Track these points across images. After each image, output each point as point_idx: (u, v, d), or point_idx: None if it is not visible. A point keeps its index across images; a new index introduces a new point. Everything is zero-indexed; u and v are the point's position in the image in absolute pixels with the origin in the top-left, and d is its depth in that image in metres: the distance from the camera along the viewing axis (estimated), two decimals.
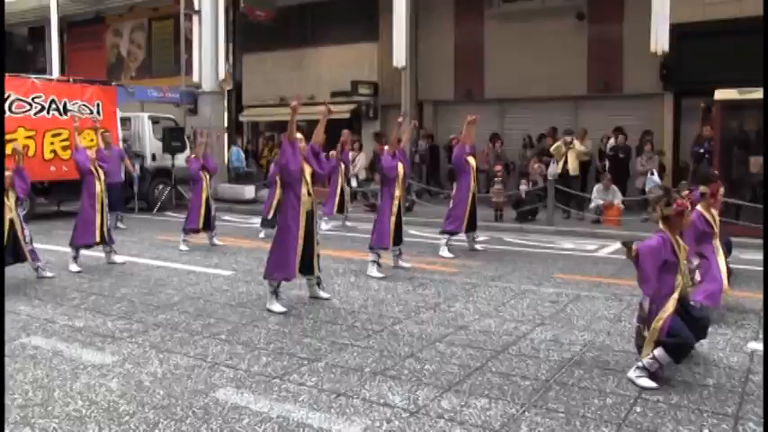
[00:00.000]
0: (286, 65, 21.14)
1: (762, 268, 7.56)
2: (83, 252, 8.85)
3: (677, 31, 14.32)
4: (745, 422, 3.95)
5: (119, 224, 12.65)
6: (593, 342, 5.51)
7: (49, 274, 8.15)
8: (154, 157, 16.89)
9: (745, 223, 10.67)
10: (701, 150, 13.03)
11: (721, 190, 6.54)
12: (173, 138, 16.56)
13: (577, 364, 4.95)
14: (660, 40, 14.01)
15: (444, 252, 9.86)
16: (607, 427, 3.82)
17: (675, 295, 4.57)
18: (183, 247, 10.32)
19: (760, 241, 11.07)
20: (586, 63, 16.91)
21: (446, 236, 10.01)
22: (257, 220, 14.74)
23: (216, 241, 10.82)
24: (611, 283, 7.75)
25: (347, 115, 19.74)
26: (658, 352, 4.47)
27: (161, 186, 16.85)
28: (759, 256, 10.00)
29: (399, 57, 17.05)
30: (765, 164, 10.82)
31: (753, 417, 4.03)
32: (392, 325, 6.02)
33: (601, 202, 14.03)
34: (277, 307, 6.50)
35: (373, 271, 8.29)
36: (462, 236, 10.33)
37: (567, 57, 16.80)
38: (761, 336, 5.78)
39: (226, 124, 21.43)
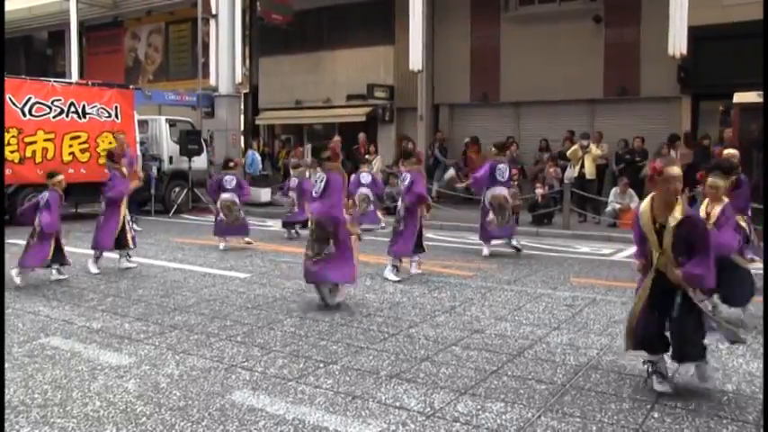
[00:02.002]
0: (302, 68, 21.24)
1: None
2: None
3: (695, 34, 14.23)
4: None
5: (134, 226, 12.74)
6: (610, 346, 5.47)
7: (64, 275, 8.23)
8: (171, 160, 17.03)
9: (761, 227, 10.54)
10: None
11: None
12: (189, 141, 16.69)
13: (594, 369, 4.92)
14: (678, 43, 13.93)
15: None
16: None
17: (646, 282, 4.41)
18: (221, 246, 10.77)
19: None
20: (603, 66, 16.85)
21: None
22: (272, 223, 14.85)
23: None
24: (627, 286, 7.67)
25: (363, 118, 19.80)
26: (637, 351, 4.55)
27: (177, 189, 16.97)
28: None
29: (415, 60, 17.07)
30: (765, 164, 10.70)
31: None
32: (408, 328, 6.01)
33: (617, 205, 13.96)
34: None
35: (390, 275, 8.28)
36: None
37: (584, 60, 16.75)
38: None
39: (242, 127, 21.54)
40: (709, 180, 5.52)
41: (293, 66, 21.55)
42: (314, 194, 6.76)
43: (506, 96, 18.38)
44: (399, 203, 8.75)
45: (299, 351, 5.29)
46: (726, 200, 5.48)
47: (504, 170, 9.13)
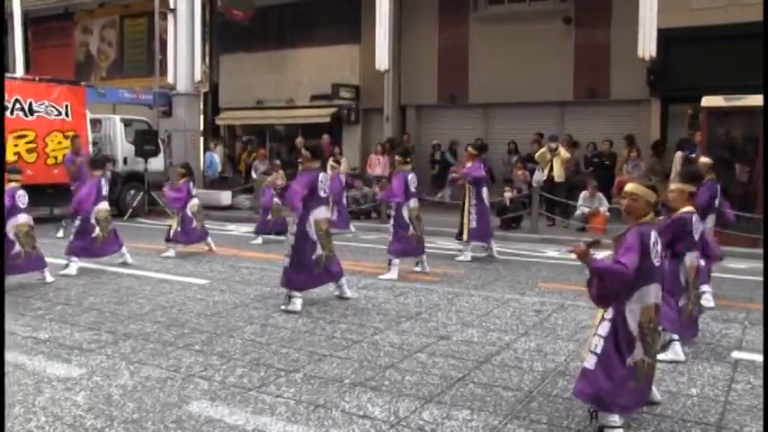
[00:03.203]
0: (265, 67, 21.18)
1: (762, 278, 7.66)
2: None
3: (665, 37, 14.55)
4: (727, 431, 4.04)
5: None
6: (578, 352, 5.55)
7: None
8: (126, 161, 16.81)
9: (733, 232, 10.82)
10: (691, 154, 13.22)
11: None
12: (145, 141, 16.49)
13: (561, 375, 5.01)
14: (648, 46, 14.22)
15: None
16: None
17: None
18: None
19: (748, 250, 11.29)
20: (573, 68, 17.11)
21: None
22: (233, 227, 14.78)
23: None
24: None
25: (327, 119, 19.81)
26: None
27: (133, 192, 16.74)
28: (744, 266, 10.18)
29: (382, 59, 17.13)
30: (765, 165, 10.98)
31: (735, 426, 4.12)
32: (372, 335, 6.05)
33: (586, 209, 14.18)
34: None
35: (389, 275, 8.70)
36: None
37: (554, 61, 16.98)
38: (744, 344, 5.90)
39: (201, 127, 21.40)
40: (672, 186, 5.69)
41: (255, 64, 21.48)
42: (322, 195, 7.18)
43: (475, 98, 18.54)
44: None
45: (259, 359, 5.29)
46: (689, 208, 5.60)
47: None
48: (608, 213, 13.97)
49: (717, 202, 7.29)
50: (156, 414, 4.19)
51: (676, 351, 5.35)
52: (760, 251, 11.49)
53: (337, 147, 18.08)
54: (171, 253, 10.44)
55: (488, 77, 17.85)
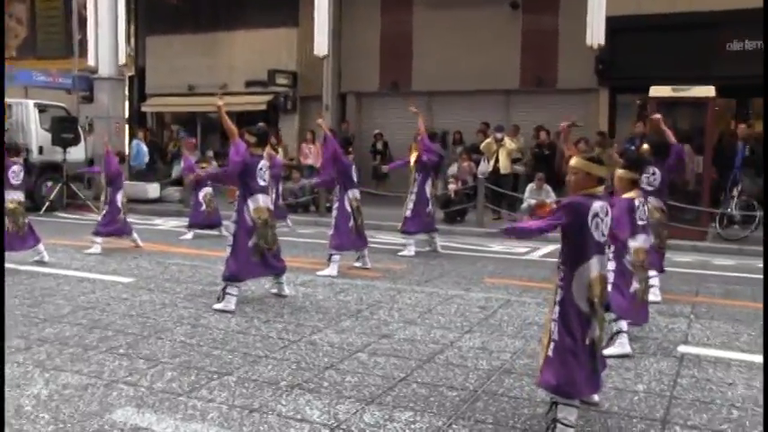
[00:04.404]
0: (196, 50, 20.81)
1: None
2: None
3: (613, 25, 14.90)
4: (672, 426, 4.18)
5: None
6: (524, 349, 5.67)
7: None
8: (41, 150, 16.30)
9: (680, 225, 11.17)
10: (632, 147, 13.58)
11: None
12: (64, 129, 16.03)
13: (507, 373, 5.09)
14: (596, 34, 14.53)
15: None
16: None
17: None
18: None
19: (695, 243, 11.68)
20: (520, 55, 17.36)
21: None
22: (161, 221, 14.53)
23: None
24: (542, 287, 7.97)
25: (263, 107, 19.63)
26: None
27: (50, 183, 16.26)
28: (690, 259, 10.52)
29: (321, 44, 17.06)
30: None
31: (679, 420, 4.26)
32: (310, 334, 6.03)
33: (533, 201, 14.42)
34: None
35: (328, 271, 8.68)
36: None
37: (500, 48, 17.20)
38: (689, 338, 6.11)
39: (126, 114, 20.92)
40: (617, 173, 5.84)
41: (185, 47, 21.08)
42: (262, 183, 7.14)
43: (418, 85, 18.63)
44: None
45: (190, 362, 5.22)
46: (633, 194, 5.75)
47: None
48: (554, 205, 14.20)
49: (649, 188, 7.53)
50: (75, 425, 4.07)
51: (623, 344, 5.49)
52: (706, 244, 11.95)
53: (274, 137, 17.95)
54: (96, 249, 10.20)
55: (432, 64, 17.97)
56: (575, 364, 3.88)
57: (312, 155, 17.38)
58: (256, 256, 7.09)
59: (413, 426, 4.12)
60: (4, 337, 4.91)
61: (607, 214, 4.02)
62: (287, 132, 19.92)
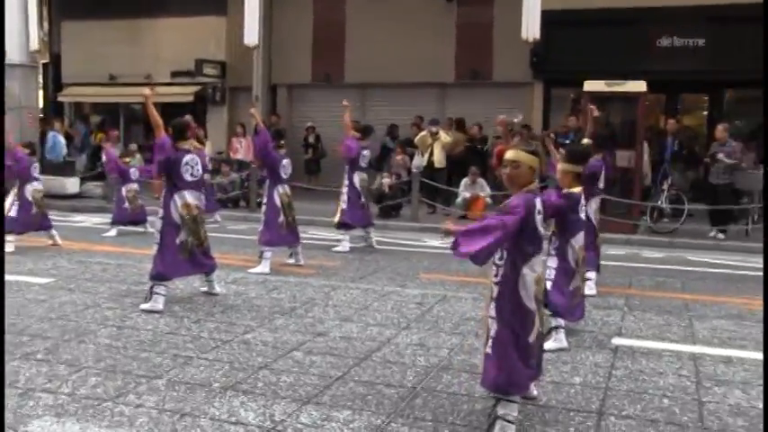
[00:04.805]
0: (117, 37, 20.26)
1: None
2: None
3: (548, 18, 15.19)
4: (607, 417, 4.31)
5: None
6: (461, 345, 5.74)
7: None
8: None
9: (611, 218, 11.49)
10: (566, 142, 13.88)
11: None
12: None
13: (445, 369, 5.15)
14: (531, 27, 14.80)
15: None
16: None
17: None
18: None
19: (626, 236, 12.03)
20: (455, 48, 17.52)
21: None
22: (82, 218, 14.16)
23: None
24: (478, 282, 8.07)
25: (190, 98, 19.32)
26: None
27: None
28: (623, 252, 10.84)
29: (251, 34, 16.87)
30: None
31: (614, 411, 4.40)
32: (243, 334, 5.98)
33: (468, 195, 14.61)
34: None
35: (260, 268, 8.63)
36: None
37: (435, 41, 17.33)
38: (623, 331, 6.30)
39: (41, 104, 20.24)
40: (560, 167, 5.94)
41: (105, 33, 20.50)
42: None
43: (351, 77, 18.63)
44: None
45: (115, 366, 5.10)
46: (577, 189, 5.87)
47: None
48: (489, 199, 14.45)
49: (601, 185, 7.73)
50: None
51: (560, 339, 5.62)
52: (637, 237, 12.32)
53: (202, 129, 17.72)
54: (9, 248, 9.86)
55: (366, 56, 17.98)
56: (514, 361, 3.92)
57: (243, 148, 17.21)
58: (184, 254, 6.99)
59: (351, 425, 4.13)
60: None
61: (540, 212, 4.07)
62: (215, 125, 19.66)
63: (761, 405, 4.52)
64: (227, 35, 19.36)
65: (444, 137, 15.46)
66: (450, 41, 17.52)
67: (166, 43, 19.91)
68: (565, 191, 5.70)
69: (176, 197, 6.95)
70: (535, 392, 4.55)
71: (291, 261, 9.23)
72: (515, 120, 6.10)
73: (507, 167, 4.02)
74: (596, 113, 8.47)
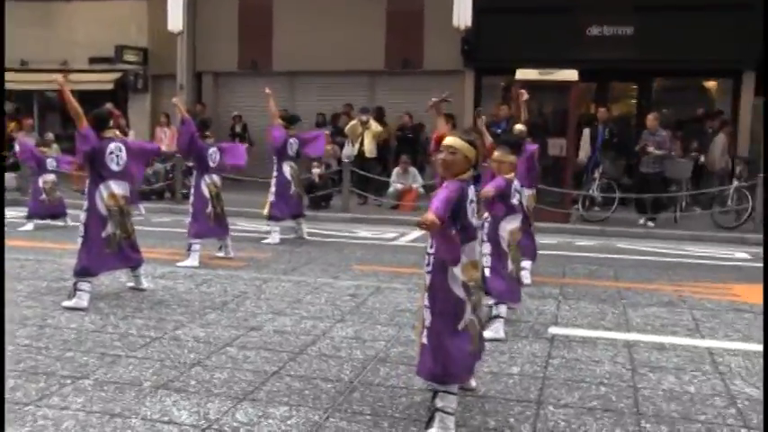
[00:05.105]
0: (27, 19, 19.45)
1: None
2: None
3: (480, 6, 15.36)
4: (546, 406, 4.39)
5: None
6: (398, 337, 5.76)
7: None
8: None
9: (544, 207, 11.69)
10: (498, 131, 14.06)
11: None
12: None
13: (382, 362, 5.16)
14: (462, 15, 14.95)
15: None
16: (416, 426, 4.03)
17: None
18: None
19: (559, 225, 12.29)
20: (385, 36, 17.52)
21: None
22: None
23: None
24: (412, 273, 8.13)
25: (110, 86, 18.86)
26: None
27: None
28: (555, 241, 11.07)
29: (175, 19, 16.59)
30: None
31: (552, 400, 4.48)
32: (173, 330, 5.88)
33: (399, 186, 14.68)
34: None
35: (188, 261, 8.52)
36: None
37: (365, 28, 17.30)
38: (559, 320, 6.44)
39: None
40: (495, 154, 6.01)
41: (14, 15, 19.51)
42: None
43: (279, 65, 18.47)
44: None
45: (37, 367, 4.94)
46: (511, 176, 5.96)
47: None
48: (421, 189, 14.56)
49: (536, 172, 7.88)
50: None
51: (497, 329, 5.70)
52: (570, 226, 12.60)
53: (124, 118, 17.29)
54: None
55: (294, 43, 17.83)
56: (449, 351, 3.94)
57: (167, 138, 16.89)
58: (112, 248, 6.82)
59: (288, 421, 4.10)
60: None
61: (473, 201, 4.08)
62: (138, 114, 19.23)
63: (693, 389, 4.69)
64: (150, 20, 18.93)
65: (375, 126, 15.48)
66: (381, 29, 17.53)
67: (84, 27, 19.32)
68: (497, 177, 5.78)
69: (102, 188, 6.77)
70: (473, 383, 4.61)
71: (221, 254, 9.12)
72: (440, 98, 6.17)
73: (444, 153, 4.04)
74: (526, 96, 8.59)
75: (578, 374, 4.96)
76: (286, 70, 18.50)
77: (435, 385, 3.97)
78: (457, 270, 3.97)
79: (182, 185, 14.58)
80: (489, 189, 5.38)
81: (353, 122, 15.60)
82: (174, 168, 14.92)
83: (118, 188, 6.88)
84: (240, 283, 7.67)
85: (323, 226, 12.41)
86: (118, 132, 7.46)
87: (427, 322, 4.00)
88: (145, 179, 15.03)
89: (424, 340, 4.01)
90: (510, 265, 5.85)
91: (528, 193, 7.52)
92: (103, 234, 6.76)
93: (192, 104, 18.58)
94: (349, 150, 15.49)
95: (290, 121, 10.90)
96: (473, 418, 4.20)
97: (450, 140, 4.06)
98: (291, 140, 10.54)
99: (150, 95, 19.58)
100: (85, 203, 6.80)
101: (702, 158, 14.26)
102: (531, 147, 7.46)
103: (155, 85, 19.59)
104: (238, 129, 17.94)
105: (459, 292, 3.99)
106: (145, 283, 7.27)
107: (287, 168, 10.43)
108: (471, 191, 4.04)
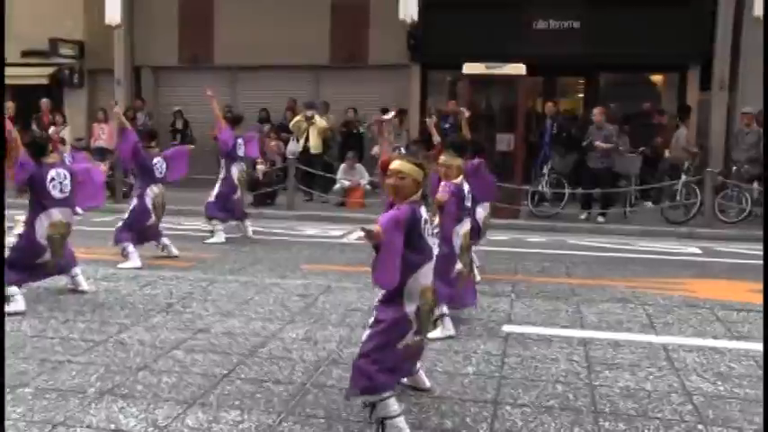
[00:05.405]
0: None
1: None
2: None
3: (426, 0, 15.40)
4: (503, 406, 4.41)
5: None
6: (350, 338, 5.74)
7: None
8: None
9: (495, 203, 11.79)
10: (446, 126, 14.15)
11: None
12: None
13: (335, 363, 5.14)
14: (409, 8, 14.98)
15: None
16: (371, 429, 4.00)
17: None
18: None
19: (509, 221, 12.40)
20: (330, 29, 17.46)
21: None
22: None
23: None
24: (361, 271, 8.11)
25: (45, 81, 18.43)
26: None
27: None
28: (506, 237, 11.17)
29: (112, 11, 16.29)
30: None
31: (510, 400, 4.51)
32: (118, 333, 5.77)
33: (346, 182, 14.65)
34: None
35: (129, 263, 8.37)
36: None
37: (309, 21, 17.22)
38: (512, 318, 6.49)
39: None
40: (442, 158, 6.04)
41: None
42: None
43: (221, 59, 18.26)
44: None
45: None
46: (459, 179, 6.00)
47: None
48: (368, 186, 14.56)
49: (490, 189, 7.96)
50: None
51: (447, 326, 5.73)
52: (520, 222, 12.75)
53: (59, 114, 16.93)
54: None
55: (237, 36, 17.64)
56: (380, 365, 3.89)
57: (105, 135, 16.58)
58: (48, 269, 6.78)
59: (240, 425, 4.06)
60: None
61: (426, 220, 4.07)
62: (74, 110, 18.81)
63: (649, 386, 4.78)
64: (86, 12, 18.52)
65: (320, 121, 15.42)
66: (325, 22, 17.45)
67: (16, 20, 18.67)
68: (449, 182, 5.81)
69: (43, 217, 6.60)
70: (428, 384, 4.62)
71: (164, 253, 8.99)
72: (386, 117, 6.25)
73: (392, 178, 4.02)
74: (467, 114, 8.62)
75: (534, 373, 5.01)
76: (228, 64, 18.29)
77: (367, 398, 3.93)
78: (415, 293, 3.97)
79: (122, 183, 14.31)
80: (443, 194, 5.40)
81: (298, 118, 15.52)
82: (114, 166, 14.61)
83: (61, 215, 6.73)
84: (185, 284, 7.57)
85: (268, 224, 12.31)
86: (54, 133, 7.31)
87: (365, 336, 3.98)
88: None
89: (359, 357, 3.95)
90: (458, 266, 5.86)
91: (482, 214, 7.61)
92: (37, 261, 6.65)
93: (131, 100, 18.29)
94: (294, 146, 15.41)
95: (235, 121, 10.86)
96: (429, 420, 4.21)
97: (397, 165, 4.04)
98: (239, 141, 10.49)
99: (87, 91, 19.18)
100: (22, 228, 6.60)
101: (668, 153, 14.48)
102: (475, 162, 7.53)
103: (91, 79, 19.19)
104: (179, 125, 17.66)
105: (409, 311, 3.98)
106: (85, 285, 7.13)
107: (235, 171, 10.38)
108: (423, 210, 4.04)
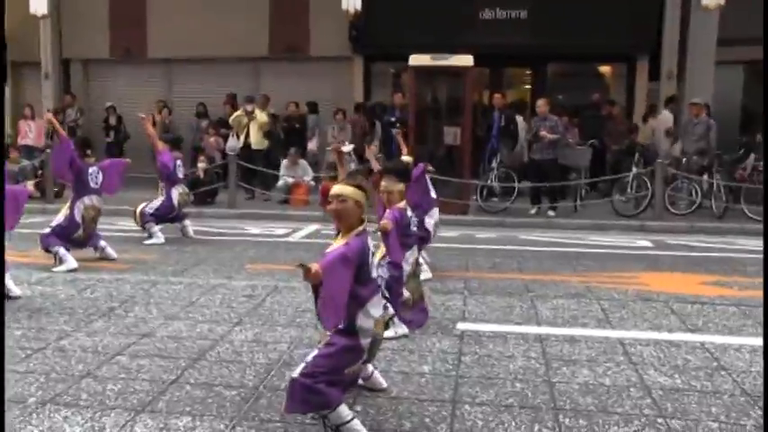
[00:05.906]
0: None
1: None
2: None
3: None
4: (461, 405, 4.47)
5: None
6: (301, 338, 5.75)
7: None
8: None
9: (444, 199, 11.87)
10: (392, 119, 14.23)
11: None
12: None
13: (287, 366, 5.12)
14: None
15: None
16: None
17: None
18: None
19: (458, 217, 12.51)
20: (269, 21, 17.39)
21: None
22: None
23: None
24: None
25: None
26: None
27: None
28: (456, 233, 11.27)
29: (38, 1, 15.89)
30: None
31: (468, 399, 4.57)
32: (57, 340, 5.67)
33: (290, 179, 14.61)
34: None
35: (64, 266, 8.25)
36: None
37: (248, 12, 17.14)
38: (466, 315, 6.57)
39: None
40: (383, 184, 6.08)
41: None
42: None
43: (155, 52, 18.04)
44: None
45: None
46: (402, 204, 6.06)
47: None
48: (312, 183, 14.55)
49: (432, 196, 8.08)
50: None
51: (399, 325, 5.77)
52: (469, 217, 12.88)
53: None
54: None
55: (171, 28, 17.46)
56: (326, 383, 3.84)
57: (33, 133, 16.23)
58: None
59: None
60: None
61: (374, 252, 4.12)
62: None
63: (608, 382, 4.88)
64: (9, 2, 18.00)
65: (261, 116, 15.34)
66: (264, 13, 17.38)
67: None
68: (393, 209, 5.85)
69: None
70: (385, 384, 4.65)
71: (98, 254, 8.86)
72: (345, 149, 6.32)
73: (333, 202, 4.05)
74: (404, 149, 8.69)
75: (492, 371, 5.07)
76: (162, 57, 18.08)
77: (316, 412, 3.91)
78: (367, 326, 3.97)
79: (53, 183, 14.01)
80: (387, 222, 5.41)
81: (238, 113, 15.41)
82: (44, 165, 14.33)
83: None
84: (127, 287, 7.47)
85: (210, 223, 12.21)
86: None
87: (310, 357, 3.92)
88: (9, 176, 14.39)
89: (297, 373, 3.87)
90: (406, 294, 5.88)
91: (432, 220, 7.70)
92: None
93: (60, 95, 17.93)
94: (234, 143, 15.29)
95: (175, 143, 11.18)
96: (387, 422, 4.24)
97: (337, 189, 4.06)
98: (178, 162, 10.64)
99: (11, 85, 18.71)
100: None
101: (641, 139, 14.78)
102: (417, 170, 7.60)
103: (16, 73, 18.73)
104: (113, 121, 17.35)
105: (365, 344, 3.99)
106: (17, 291, 6.98)
107: (175, 194, 10.45)
108: (370, 242, 4.07)
